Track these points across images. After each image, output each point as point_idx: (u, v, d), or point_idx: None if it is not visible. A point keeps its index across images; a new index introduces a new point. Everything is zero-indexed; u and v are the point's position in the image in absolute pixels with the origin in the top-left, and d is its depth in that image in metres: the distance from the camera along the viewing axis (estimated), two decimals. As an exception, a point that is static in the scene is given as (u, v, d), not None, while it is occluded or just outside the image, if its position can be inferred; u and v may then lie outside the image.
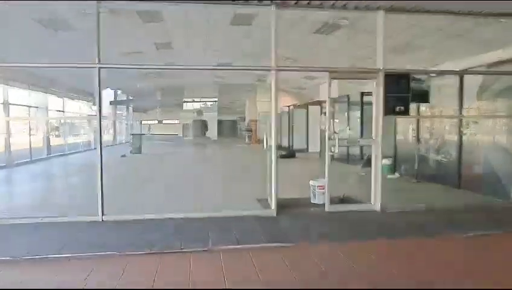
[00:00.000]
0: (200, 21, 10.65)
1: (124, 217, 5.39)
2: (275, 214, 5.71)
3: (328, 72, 5.77)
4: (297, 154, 16.43)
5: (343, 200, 6.58)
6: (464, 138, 7.55)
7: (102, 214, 5.36)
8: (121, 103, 29.73)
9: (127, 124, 35.01)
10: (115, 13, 9.06)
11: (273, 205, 5.74)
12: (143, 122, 44.11)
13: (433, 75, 6.55)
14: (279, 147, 18.78)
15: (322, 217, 5.59)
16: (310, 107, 18.70)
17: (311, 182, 6.62)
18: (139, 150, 18.80)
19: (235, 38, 11.93)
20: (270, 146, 5.88)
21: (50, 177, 10.81)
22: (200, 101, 36.60)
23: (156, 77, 20.66)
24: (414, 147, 9.19)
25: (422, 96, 5.95)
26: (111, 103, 28.46)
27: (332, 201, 6.07)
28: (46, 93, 16.51)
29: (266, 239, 4.56)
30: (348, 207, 6.01)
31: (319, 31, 10.89)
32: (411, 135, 9.36)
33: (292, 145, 19.29)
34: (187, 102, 34.64)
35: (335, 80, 6.03)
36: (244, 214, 5.64)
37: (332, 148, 5.83)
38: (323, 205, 6.04)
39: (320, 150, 15.99)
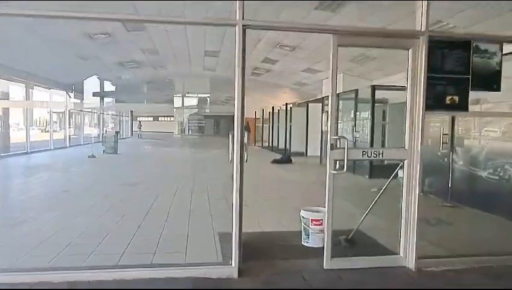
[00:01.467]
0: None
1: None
2: (235, 275, 3.32)
3: (332, 35, 3.39)
4: (294, 159, 14.03)
5: (351, 242, 4.20)
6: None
7: None
8: (106, 95, 27.29)
9: (113, 119, 32.72)
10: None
11: (235, 259, 3.35)
12: (138, 118, 41.79)
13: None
14: (274, 149, 16.38)
15: (317, 287, 3.20)
16: (310, 105, 16.33)
17: (302, 213, 4.24)
18: (114, 150, 16.44)
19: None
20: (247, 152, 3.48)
21: None
22: (195, 97, 34.36)
23: (138, 67, 18.40)
24: (446, 157, 6.79)
25: (491, 79, 3.54)
26: (94, 94, 26.11)
27: (335, 245, 3.70)
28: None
29: None
30: (361, 262, 3.60)
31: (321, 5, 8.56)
32: (441, 140, 6.92)
33: (289, 148, 16.96)
34: (180, 96, 32.31)
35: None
36: (184, 275, 3.27)
37: (337, 163, 3.44)
38: (321, 250, 3.64)
39: (321, 155, 13.69)
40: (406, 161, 3.55)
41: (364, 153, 3.53)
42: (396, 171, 3.96)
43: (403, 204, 3.64)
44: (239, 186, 3.22)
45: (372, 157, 3.51)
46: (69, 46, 13.31)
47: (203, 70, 19.18)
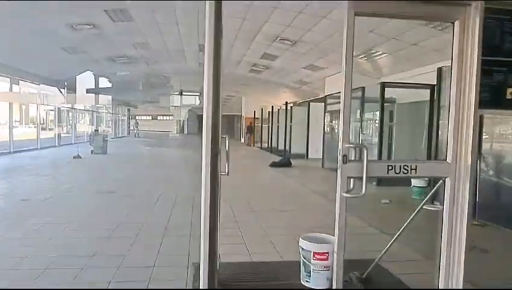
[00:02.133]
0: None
1: None
2: None
3: (348, 1, 2.37)
4: (294, 162, 13.02)
5: (366, 282, 3.18)
6: None
7: None
8: (100, 91, 26.17)
9: (111, 118, 31.72)
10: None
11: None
12: (136, 117, 40.72)
13: None
14: (274, 150, 15.31)
15: None
16: (311, 104, 15.34)
17: (302, 243, 3.21)
18: (103, 150, 15.47)
19: None
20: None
21: None
22: (193, 95, 33.34)
23: (130, 63, 17.37)
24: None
25: None
26: (88, 91, 25.03)
27: (345, 287, 2.69)
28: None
29: None
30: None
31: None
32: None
33: (289, 150, 16.00)
34: (178, 94, 31.25)
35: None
36: None
37: (351, 182, 2.43)
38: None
39: (323, 157, 12.69)
40: (448, 179, 2.52)
41: (390, 167, 2.50)
42: (431, 193, 2.94)
43: (443, 236, 2.61)
44: (209, 225, 2.19)
45: (401, 174, 2.49)
46: (52, 39, 12.31)
47: (199, 66, 18.15)
